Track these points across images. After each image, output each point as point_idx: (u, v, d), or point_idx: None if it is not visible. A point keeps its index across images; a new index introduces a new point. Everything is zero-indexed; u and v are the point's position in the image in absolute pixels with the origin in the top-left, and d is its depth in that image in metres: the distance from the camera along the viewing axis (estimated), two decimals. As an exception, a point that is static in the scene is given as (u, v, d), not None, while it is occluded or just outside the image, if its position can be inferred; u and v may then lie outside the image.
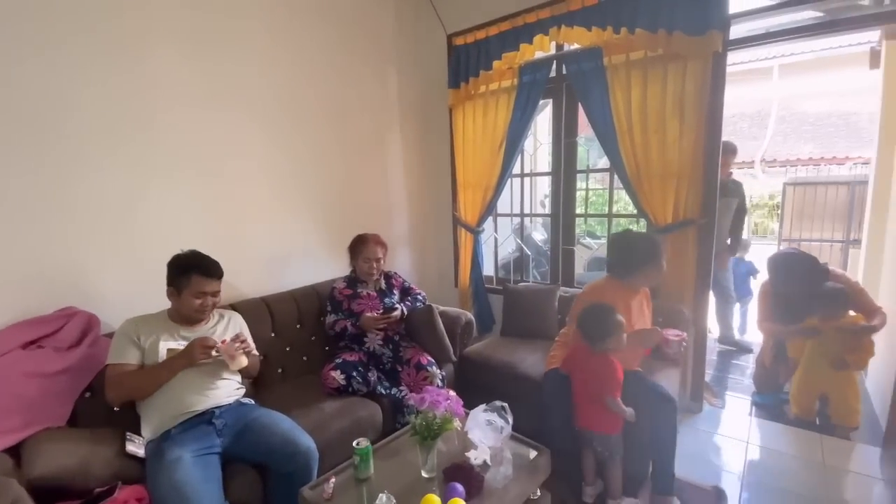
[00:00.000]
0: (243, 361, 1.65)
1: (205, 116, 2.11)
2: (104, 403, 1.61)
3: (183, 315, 1.67)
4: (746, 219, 3.18)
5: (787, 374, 2.56)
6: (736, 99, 7.76)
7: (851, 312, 2.28)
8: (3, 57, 1.56)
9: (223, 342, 1.64)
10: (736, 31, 2.18)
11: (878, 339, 2.20)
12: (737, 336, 3.52)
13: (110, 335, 1.68)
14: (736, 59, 6.26)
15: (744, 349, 3.37)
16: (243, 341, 1.68)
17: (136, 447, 1.53)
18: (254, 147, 2.32)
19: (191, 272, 1.62)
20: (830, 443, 2.24)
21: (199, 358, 1.58)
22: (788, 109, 8.06)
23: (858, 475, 2.02)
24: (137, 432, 1.58)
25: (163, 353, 1.60)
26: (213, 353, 1.61)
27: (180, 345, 1.63)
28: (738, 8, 2.13)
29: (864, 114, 7.03)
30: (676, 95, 2.19)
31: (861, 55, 4.57)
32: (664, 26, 2.12)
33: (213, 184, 2.17)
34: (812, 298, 2.30)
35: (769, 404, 2.62)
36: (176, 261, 1.65)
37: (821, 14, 2.31)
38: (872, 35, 3.69)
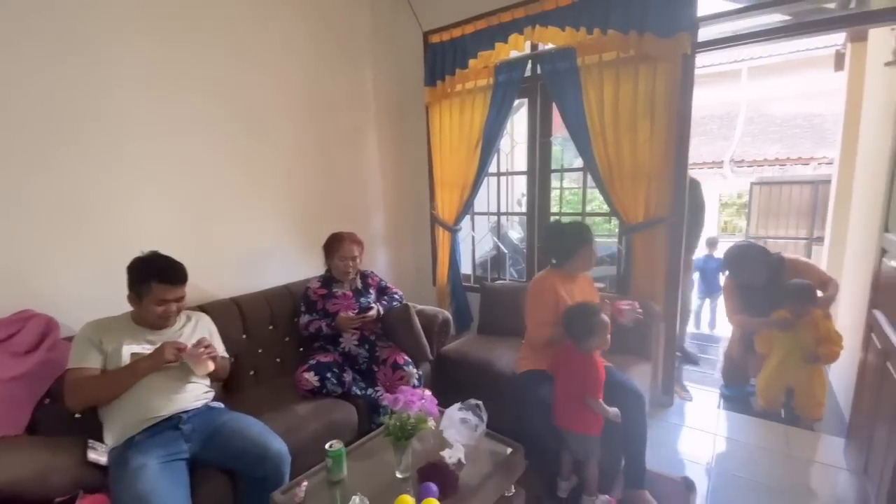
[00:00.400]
0: (209, 366, 1.60)
1: (173, 112, 2.05)
2: (64, 410, 1.55)
3: (146, 321, 1.62)
4: (705, 217, 3.13)
5: (755, 367, 2.64)
6: (706, 100, 7.98)
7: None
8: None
9: (186, 348, 1.59)
10: (704, 33, 2.23)
11: (842, 332, 2.29)
12: (706, 330, 3.60)
13: (71, 339, 1.61)
14: (706, 62, 6.42)
15: (690, 360, 3.26)
16: (207, 346, 1.62)
17: (98, 455, 1.47)
18: (225, 144, 2.26)
19: (150, 279, 1.54)
20: (795, 434, 2.33)
21: (170, 359, 1.53)
22: (756, 111, 8.31)
23: (823, 465, 2.10)
24: (100, 439, 1.52)
25: (126, 358, 1.54)
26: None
27: (145, 349, 1.58)
28: (706, 11, 2.17)
29: (827, 115, 7.31)
30: (647, 96, 2.23)
31: (826, 58, 4.75)
32: (635, 28, 2.15)
33: (182, 181, 2.11)
34: (778, 293, 2.38)
35: (736, 397, 2.69)
36: (136, 265, 1.57)
37: (788, 17, 2.39)
38: (837, 38, 3.82)
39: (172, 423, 1.53)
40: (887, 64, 2.06)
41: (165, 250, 1.65)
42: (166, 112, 2.03)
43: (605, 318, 1.76)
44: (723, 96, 8.13)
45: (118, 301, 1.62)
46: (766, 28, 2.27)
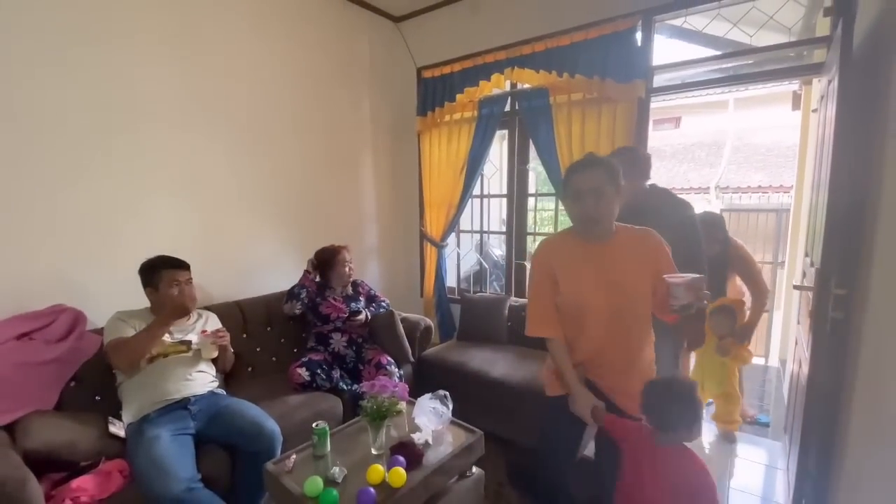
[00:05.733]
0: (214, 352, 1.91)
1: (190, 130, 2.35)
2: (88, 392, 1.83)
3: (168, 310, 1.87)
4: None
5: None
6: (696, 129, 8.36)
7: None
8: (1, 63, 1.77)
9: (203, 332, 1.90)
10: (660, 79, 2.54)
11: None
12: None
13: (96, 331, 1.90)
14: (695, 92, 6.76)
15: None
16: (223, 335, 1.95)
17: (117, 429, 1.73)
18: (233, 160, 2.56)
19: (160, 268, 1.88)
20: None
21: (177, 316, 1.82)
22: (742, 140, 8.68)
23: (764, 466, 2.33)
24: (118, 417, 1.77)
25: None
26: (193, 344, 1.86)
27: (164, 338, 1.84)
28: (660, 61, 2.48)
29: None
30: (609, 133, 2.53)
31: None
32: (598, 73, 2.47)
33: (194, 195, 2.40)
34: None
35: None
36: (145, 264, 1.90)
37: (750, 62, 2.66)
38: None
39: (182, 404, 1.79)
40: (813, 110, 2.37)
41: (179, 255, 1.96)
42: (184, 131, 2.33)
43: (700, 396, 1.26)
44: (711, 125, 8.50)
45: (136, 298, 1.91)
46: (716, 77, 2.59)
